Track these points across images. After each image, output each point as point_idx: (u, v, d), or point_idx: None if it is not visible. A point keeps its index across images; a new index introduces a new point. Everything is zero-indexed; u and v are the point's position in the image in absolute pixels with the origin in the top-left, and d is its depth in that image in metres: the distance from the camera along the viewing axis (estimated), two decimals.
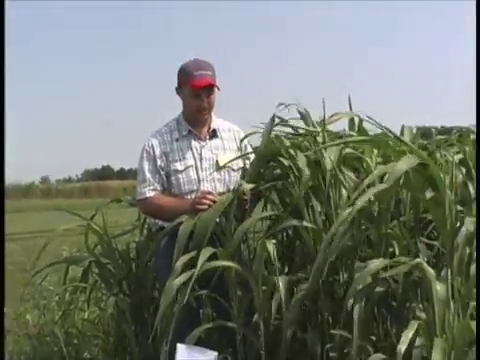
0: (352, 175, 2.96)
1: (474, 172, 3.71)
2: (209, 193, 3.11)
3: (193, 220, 2.98)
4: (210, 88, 3.25)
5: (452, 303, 2.39)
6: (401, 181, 2.56)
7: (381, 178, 2.65)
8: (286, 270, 3.19)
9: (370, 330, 2.73)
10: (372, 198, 2.59)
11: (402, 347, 2.27)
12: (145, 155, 3.31)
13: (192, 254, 2.88)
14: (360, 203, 2.38)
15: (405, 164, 2.45)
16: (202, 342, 2.95)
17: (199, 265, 2.76)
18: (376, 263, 2.54)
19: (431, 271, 2.41)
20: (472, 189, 3.50)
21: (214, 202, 3.04)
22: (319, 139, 3.01)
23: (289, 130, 3.25)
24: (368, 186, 2.50)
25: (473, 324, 2.33)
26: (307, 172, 2.85)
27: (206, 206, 3.02)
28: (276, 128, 3.20)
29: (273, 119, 3.12)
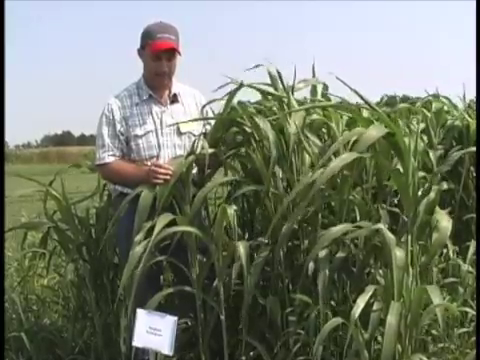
0: (317, 141, 2.95)
1: (435, 140, 3.78)
2: (161, 166, 3.04)
3: (153, 188, 2.97)
4: (171, 52, 3.19)
5: (411, 268, 2.43)
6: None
7: (345, 145, 2.66)
8: (246, 236, 3.20)
9: (330, 295, 2.77)
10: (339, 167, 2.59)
11: (356, 311, 2.31)
12: (104, 120, 3.24)
13: (153, 222, 2.87)
14: (334, 166, 2.40)
15: (375, 131, 2.45)
16: (163, 307, 2.95)
17: (156, 232, 2.75)
18: (339, 227, 2.56)
19: (391, 236, 2.44)
20: (433, 157, 3.57)
21: (169, 175, 3.00)
22: (285, 106, 2.99)
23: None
24: (334, 153, 2.51)
25: (430, 288, 2.39)
26: (271, 137, 2.83)
27: (161, 180, 2.99)
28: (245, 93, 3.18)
29: (240, 85, 3.07)
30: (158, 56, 3.18)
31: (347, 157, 2.43)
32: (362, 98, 2.70)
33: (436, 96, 4.21)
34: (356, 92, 2.64)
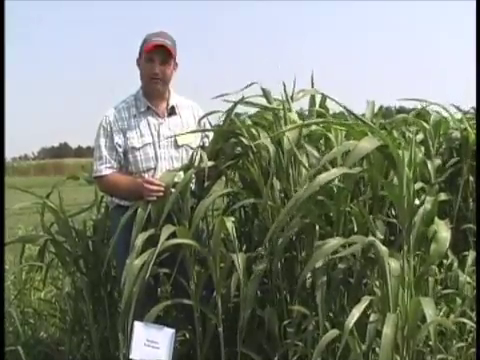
0: (315, 152, 2.95)
1: (433, 150, 3.76)
2: (152, 183, 3.05)
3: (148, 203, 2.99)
4: (165, 56, 3.19)
5: (407, 279, 2.43)
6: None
7: (342, 157, 2.66)
8: (244, 248, 3.19)
9: (327, 306, 2.76)
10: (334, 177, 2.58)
11: (350, 322, 2.29)
12: (102, 131, 3.24)
13: (150, 232, 2.87)
14: (320, 181, 2.39)
15: (368, 144, 2.45)
16: (161, 319, 2.93)
17: (160, 243, 2.74)
18: (333, 242, 2.55)
19: (384, 248, 2.43)
20: (431, 168, 3.55)
21: (162, 191, 3.01)
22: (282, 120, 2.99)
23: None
24: (330, 163, 2.50)
25: (424, 300, 2.38)
26: (272, 151, 2.83)
27: (154, 197, 3.01)
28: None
29: (238, 102, 3.06)
30: (151, 58, 3.19)
31: (336, 172, 2.44)
32: (353, 114, 2.72)
33: (431, 107, 4.18)
34: (346, 109, 2.67)
